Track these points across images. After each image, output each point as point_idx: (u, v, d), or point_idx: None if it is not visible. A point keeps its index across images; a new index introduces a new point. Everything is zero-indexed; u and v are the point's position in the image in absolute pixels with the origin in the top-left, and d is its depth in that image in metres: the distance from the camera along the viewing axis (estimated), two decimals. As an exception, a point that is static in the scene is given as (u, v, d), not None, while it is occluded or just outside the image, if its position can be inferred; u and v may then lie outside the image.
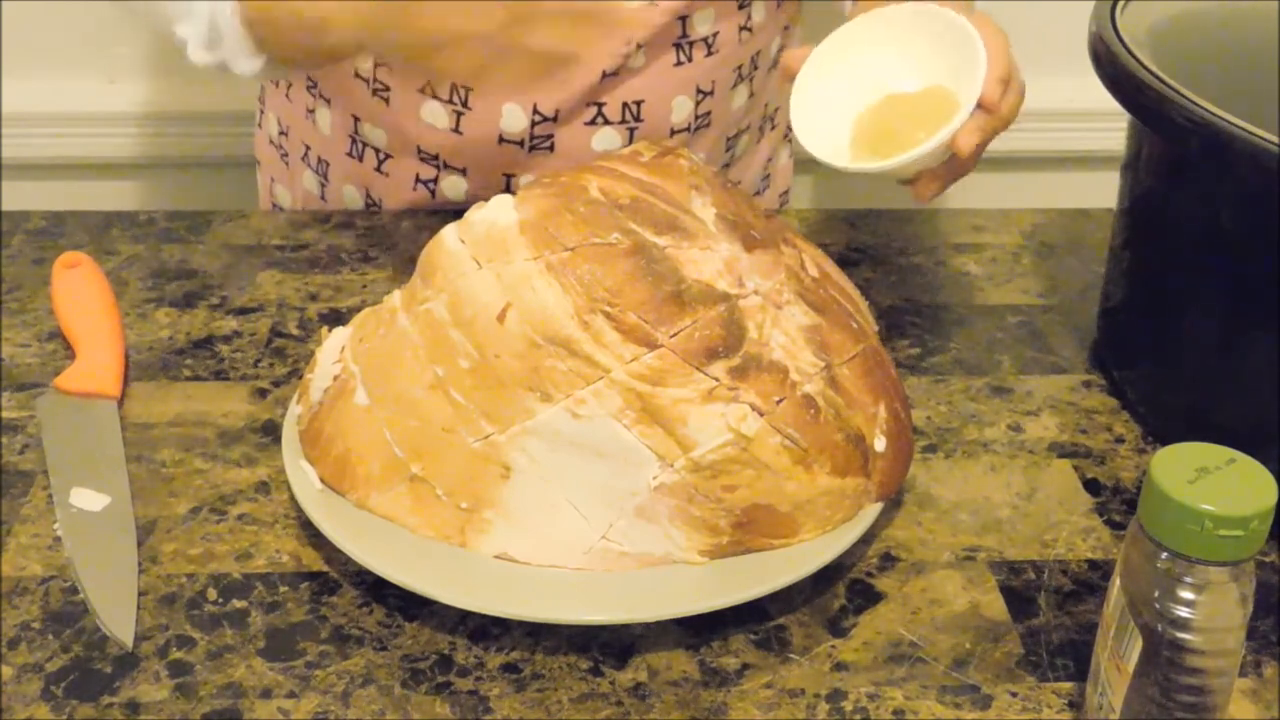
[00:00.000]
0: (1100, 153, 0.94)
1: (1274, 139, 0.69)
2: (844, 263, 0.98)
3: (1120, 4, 0.85)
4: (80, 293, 0.89)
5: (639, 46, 0.94)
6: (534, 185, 0.74)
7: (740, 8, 0.97)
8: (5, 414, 0.82)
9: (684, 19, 0.95)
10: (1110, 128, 0.87)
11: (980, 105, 0.77)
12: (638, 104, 0.97)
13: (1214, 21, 0.88)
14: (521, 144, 0.97)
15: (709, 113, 1.00)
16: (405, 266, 0.97)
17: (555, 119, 0.96)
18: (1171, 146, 0.79)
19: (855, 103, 0.82)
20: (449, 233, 0.73)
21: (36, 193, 1.44)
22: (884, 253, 1.01)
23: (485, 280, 0.69)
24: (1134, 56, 0.78)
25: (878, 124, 0.80)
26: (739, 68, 1.00)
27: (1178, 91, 0.74)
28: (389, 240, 1.00)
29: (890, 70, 0.82)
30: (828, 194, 1.49)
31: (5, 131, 1.41)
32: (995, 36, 0.79)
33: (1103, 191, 0.94)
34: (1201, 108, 0.73)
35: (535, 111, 0.95)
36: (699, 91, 0.98)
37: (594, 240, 0.69)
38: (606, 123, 0.97)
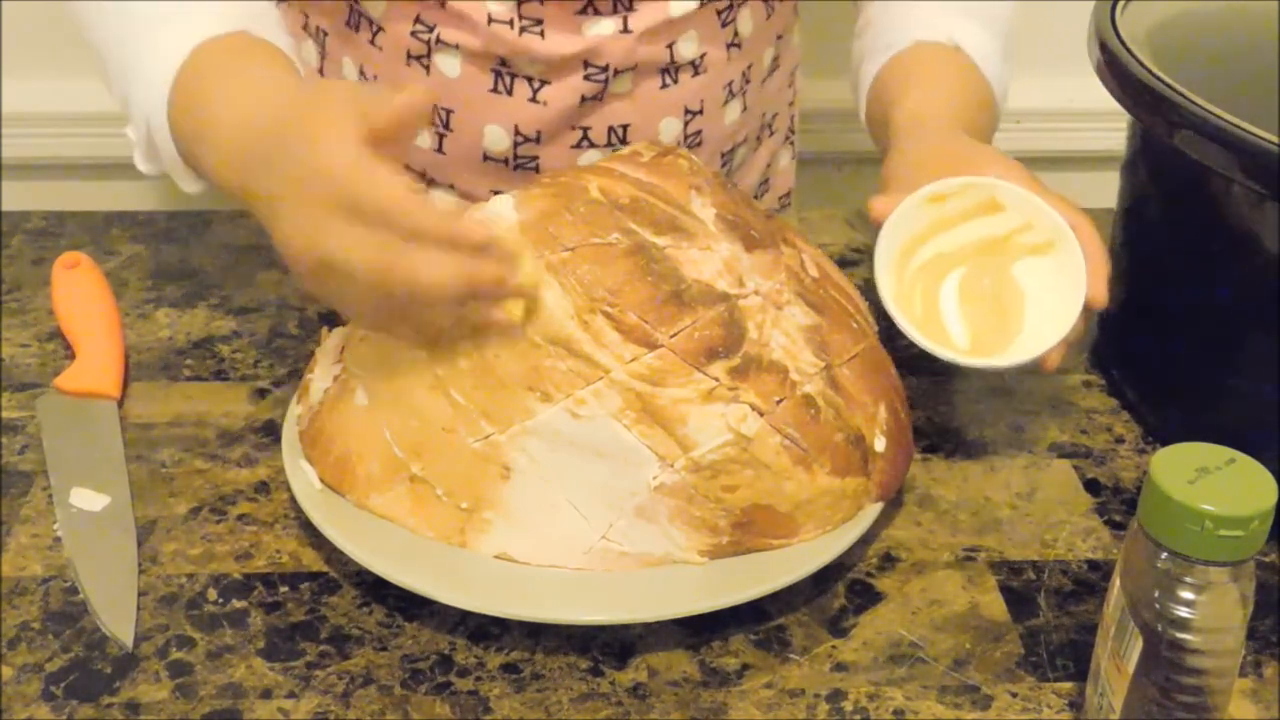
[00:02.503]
0: (1100, 153, 0.94)
1: (1274, 139, 0.69)
2: (844, 263, 0.98)
3: (1120, 4, 0.85)
4: (80, 293, 0.89)
5: (616, 73, 0.93)
6: (534, 185, 0.74)
7: (724, 25, 0.95)
8: (5, 414, 0.82)
9: (670, 45, 0.93)
10: (1110, 128, 0.87)
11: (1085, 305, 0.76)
12: (624, 127, 0.95)
13: (1214, 21, 0.88)
14: (506, 162, 0.96)
15: (699, 131, 0.98)
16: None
17: (538, 140, 0.95)
18: (1171, 146, 0.79)
19: (933, 260, 0.80)
20: (449, 233, 0.73)
21: (36, 193, 1.44)
22: (884, 253, 1.01)
23: (485, 280, 0.69)
24: (1134, 56, 0.78)
25: (975, 307, 0.79)
26: (729, 84, 0.98)
27: (1178, 91, 0.74)
28: (389, 240, 1.00)
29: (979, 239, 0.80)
30: (827, 194, 1.49)
31: (5, 131, 1.40)
32: (1090, 233, 0.78)
33: (1103, 191, 0.94)
34: (1201, 108, 0.73)
35: (517, 132, 0.95)
36: (687, 112, 0.97)
37: (594, 240, 0.69)
38: (592, 145, 0.95)
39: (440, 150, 0.97)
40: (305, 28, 1.00)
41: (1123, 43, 0.80)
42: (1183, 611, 0.56)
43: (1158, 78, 0.76)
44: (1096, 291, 0.77)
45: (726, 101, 0.99)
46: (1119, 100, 0.79)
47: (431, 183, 1.01)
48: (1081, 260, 0.77)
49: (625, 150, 0.79)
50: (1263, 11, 0.86)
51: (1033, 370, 0.78)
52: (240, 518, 0.76)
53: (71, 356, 0.86)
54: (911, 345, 0.91)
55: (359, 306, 0.68)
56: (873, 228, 0.79)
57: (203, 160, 0.79)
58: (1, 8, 1.37)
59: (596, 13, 0.90)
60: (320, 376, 0.75)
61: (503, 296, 0.66)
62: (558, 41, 0.90)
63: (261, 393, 0.85)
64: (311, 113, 0.69)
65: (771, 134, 1.09)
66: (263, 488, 0.78)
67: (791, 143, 1.14)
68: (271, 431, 0.81)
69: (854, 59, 1.02)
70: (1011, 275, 0.79)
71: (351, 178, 0.65)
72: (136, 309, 0.92)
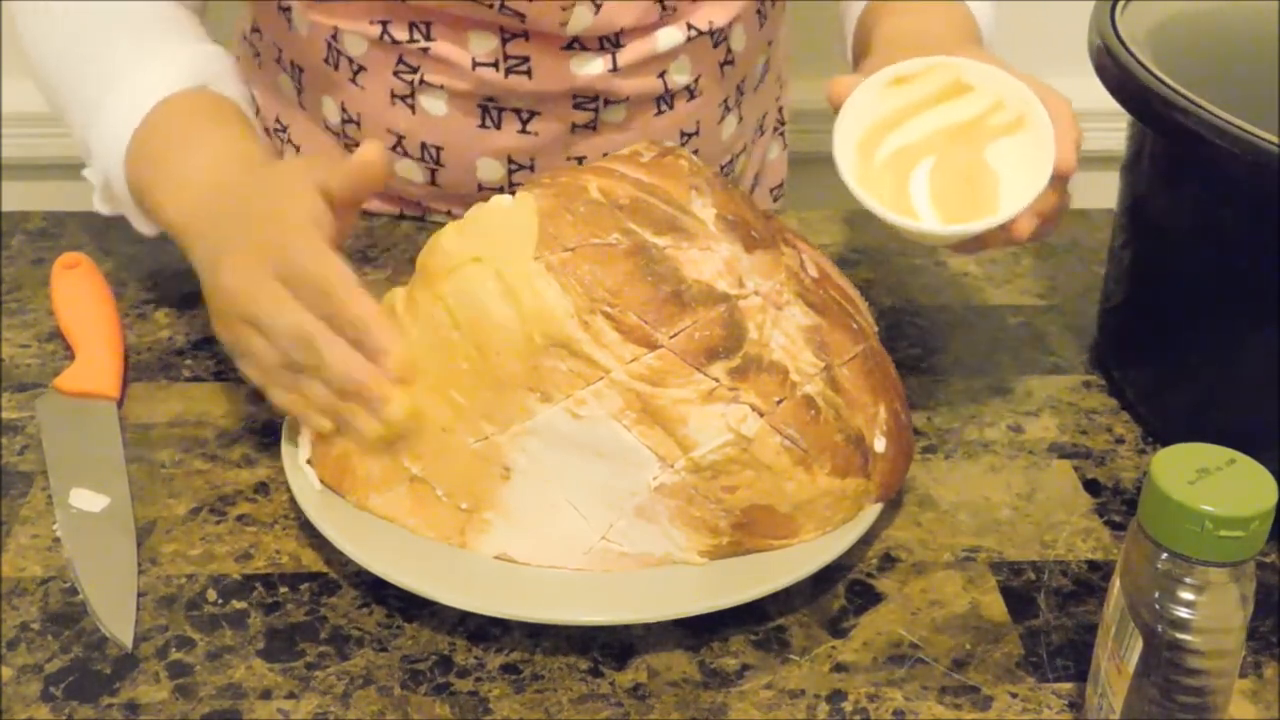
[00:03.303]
0: (1100, 153, 0.94)
1: (1274, 139, 0.69)
2: (844, 263, 0.98)
3: (1120, 4, 0.85)
4: (80, 293, 0.89)
5: (607, 103, 0.92)
6: (534, 185, 0.74)
7: (716, 46, 0.94)
8: (5, 414, 0.82)
9: (662, 74, 0.92)
10: (1110, 128, 0.87)
11: (1054, 174, 0.74)
12: None
13: (1214, 21, 0.88)
14: (501, 190, 0.95)
15: (696, 151, 0.97)
16: (405, 267, 0.96)
17: (532, 168, 0.94)
18: (1171, 146, 0.79)
19: (903, 150, 0.78)
20: (448, 233, 0.73)
21: (36, 193, 1.43)
22: (884, 253, 1.01)
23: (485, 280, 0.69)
24: (1134, 57, 0.78)
25: (942, 180, 0.77)
26: (724, 101, 0.97)
27: (1178, 92, 0.74)
28: (389, 240, 1.00)
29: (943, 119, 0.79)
30: (823, 194, 1.49)
31: (5, 131, 1.40)
32: (1059, 103, 0.77)
33: (1103, 191, 0.94)
34: (1201, 108, 0.73)
35: (510, 161, 0.94)
36: (683, 135, 0.96)
37: (594, 240, 0.69)
38: None
39: (434, 183, 0.96)
40: (279, 61, 0.99)
41: (1123, 43, 0.80)
42: (1183, 612, 0.56)
43: (1158, 78, 0.76)
44: (1065, 157, 0.74)
45: (722, 118, 0.98)
46: (1119, 100, 0.79)
47: (429, 210, 1.01)
48: (1050, 129, 0.74)
49: (625, 150, 0.79)
50: (1263, 11, 0.86)
51: (1002, 243, 0.76)
52: (240, 518, 0.76)
53: (71, 357, 0.86)
54: (912, 345, 0.91)
55: (260, 362, 0.72)
56: (833, 110, 0.78)
57: (157, 207, 0.82)
58: (1, 8, 1.37)
59: (584, 49, 0.89)
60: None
61: (372, 412, 0.69)
62: (545, 80, 0.90)
63: (261, 393, 0.85)
64: (280, 189, 0.75)
65: (763, 133, 1.09)
66: (263, 488, 0.78)
67: (781, 134, 1.13)
68: (271, 431, 0.81)
69: (840, 12, 0.99)
70: (984, 159, 0.77)
71: (303, 253, 0.70)
72: (136, 309, 0.92)
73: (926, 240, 0.77)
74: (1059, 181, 0.75)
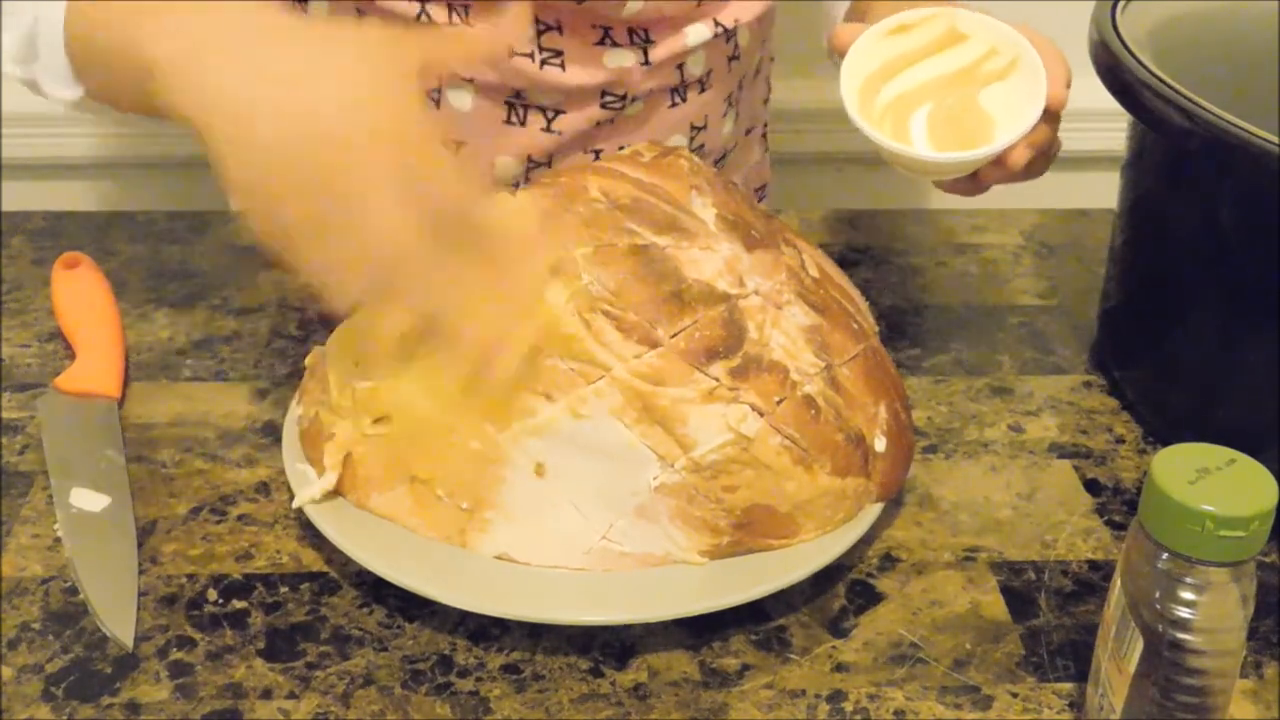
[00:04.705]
0: (1100, 153, 0.94)
1: (1274, 139, 0.69)
2: (844, 263, 0.98)
3: (1120, 4, 0.85)
4: (80, 293, 0.89)
5: (633, 100, 0.93)
6: (534, 185, 0.74)
7: (727, 41, 0.95)
8: (5, 414, 0.82)
9: (679, 66, 0.93)
10: (1110, 128, 0.87)
11: (1046, 108, 0.76)
12: None
13: (1214, 21, 0.88)
14: (515, 186, 0.95)
15: (702, 145, 0.98)
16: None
17: (549, 164, 0.94)
18: (1171, 146, 0.79)
19: (902, 97, 0.80)
20: (449, 233, 0.73)
21: (36, 193, 1.43)
22: (884, 253, 1.01)
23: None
24: (1134, 57, 0.78)
25: (945, 114, 0.79)
26: (729, 96, 0.98)
27: (1178, 92, 0.74)
28: (389, 240, 1.00)
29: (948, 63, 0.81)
30: (821, 194, 1.49)
31: (5, 131, 1.40)
32: (1049, 45, 0.78)
33: (1103, 191, 0.94)
34: (1201, 108, 0.73)
35: (529, 160, 0.94)
36: (693, 128, 0.96)
37: (594, 241, 0.69)
38: None
39: None
40: None
41: (1123, 43, 0.80)
42: (1183, 612, 0.56)
43: (1158, 78, 0.76)
44: (1056, 91, 0.77)
45: (726, 113, 0.99)
46: (1119, 100, 0.79)
47: None
48: (1042, 70, 0.77)
49: (626, 150, 0.79)
50: (1263, 11, 0.86)
51: (1000, 178, 0.78)
52: (240, 518, 0.76)
53: (71, 356, 0.86)
54: (912, 345, 0.91)
55: (345, 273, 0.59)
56: (836, 58, 0.80)
57: (139, 36, 0.64)
58: (1, 8, 1.36)
59: (615, 44, 0.89)
60: (315, 391, 0.75)
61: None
62: (578, 73, 0.90)
63: (261, 393, 0.85)
64: (373, 73, 0.61)
65: (749, 133, 1.09)
66: (263, 488, 0.78)
67: (764, 135, 1.14)
68: (271, 432, 0.81)
69: (824, 11, 1.00)
70: (979, 103, 0.79)
71: (457, 178, 0.59)
72: (136, 309, 0.92)
73: (926, 173, 0.79)
74: (1051, 117, 0.77)
